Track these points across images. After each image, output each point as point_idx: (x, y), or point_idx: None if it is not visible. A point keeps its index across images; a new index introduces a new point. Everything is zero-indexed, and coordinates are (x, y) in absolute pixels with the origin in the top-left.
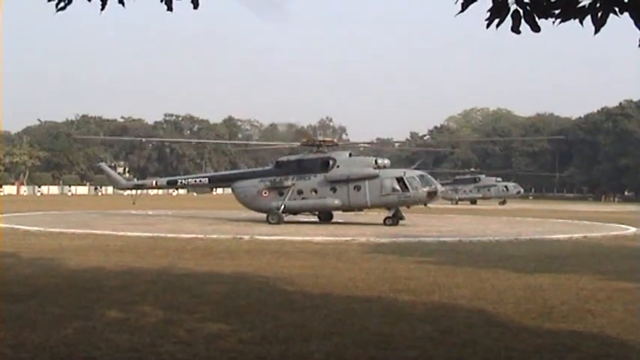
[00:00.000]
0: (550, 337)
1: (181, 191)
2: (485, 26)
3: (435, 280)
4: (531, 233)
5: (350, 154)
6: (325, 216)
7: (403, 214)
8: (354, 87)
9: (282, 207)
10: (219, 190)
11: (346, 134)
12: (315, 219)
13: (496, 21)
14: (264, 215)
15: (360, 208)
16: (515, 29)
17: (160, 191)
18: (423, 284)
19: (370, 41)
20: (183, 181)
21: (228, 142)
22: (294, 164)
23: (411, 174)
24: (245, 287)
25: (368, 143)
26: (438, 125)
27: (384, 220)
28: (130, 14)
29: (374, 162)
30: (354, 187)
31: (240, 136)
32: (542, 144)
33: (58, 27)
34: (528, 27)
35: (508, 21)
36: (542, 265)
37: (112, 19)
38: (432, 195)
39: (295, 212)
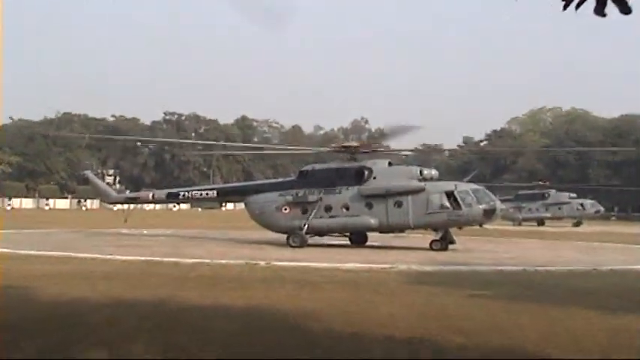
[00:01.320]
0: None
1: (183, 206)
2: (561, 8)
3: (492, 320)
4: (614, 262)
5: (390, 163)
6: (358, 238)
7: (454, 236)
8: (393, 84)
9: (306, 226)
10: (230, 206)
11: (385, 139)
12: (346, 241)
13: (575, 1)
14: (284, 236)
15: (400, 229)
16: (599, 11)
17: (158, 206)
18: (478, 324)
19: (414, 29)
20: (186, 193)
21: (241, 144)
22: (322, 175)
23: (463, 188)
24: (259, 325)
25: (412, 150)
26: (498, 128)
27: (431, 243)
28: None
29: (419, 173)
30: (394, 204)
31: (256, 139)
32: (627, 152)
33: (37, 11)
34: (615, 8)
35: (590, 2)
36: (629, 302)
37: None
38: (489, 214)
39: (322, 233)
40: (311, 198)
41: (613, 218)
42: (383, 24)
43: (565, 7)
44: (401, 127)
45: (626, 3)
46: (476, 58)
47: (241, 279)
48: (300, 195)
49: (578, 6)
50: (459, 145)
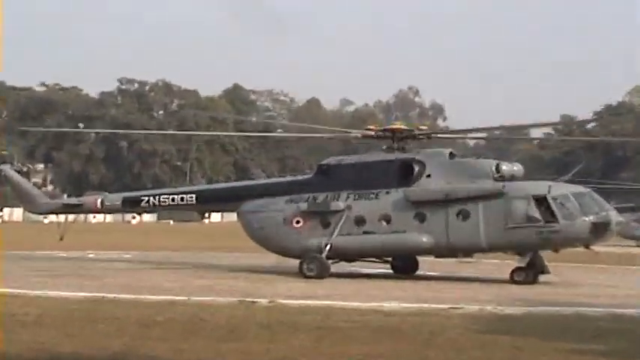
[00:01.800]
0: None
1: (147, 218)
2: None
3: None
4: None
5: (451, 154)
6: (405, 264)
7: (546, 263)
8: (457, 40)
9: (329, 247)
10: (216, 217)
11: (444, 118)
12: (387, 269)
13: None
14: (296, 262)
15: (467, 251)
16: None
17: (110, 217)
18: None
19: None
20: (152, 199)
21: (228, 117)
22: (351, 171)
23: (561, 191)
24: None
25: (483, 134)
26: (613, 103)
27: (512, 273)
28: None
29: (494, 169)
30: (458, 214)
31: (254, 119)
32: None
33: None
34: None
35: None
36: None
37: None
38: (600, 229)
39: (351, 257)
40: (335, 206)
41: None
42: None
43: None
44: None
45: None
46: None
47: (233, 325)
48: (319, 201)
49: None
50: (554, 128)
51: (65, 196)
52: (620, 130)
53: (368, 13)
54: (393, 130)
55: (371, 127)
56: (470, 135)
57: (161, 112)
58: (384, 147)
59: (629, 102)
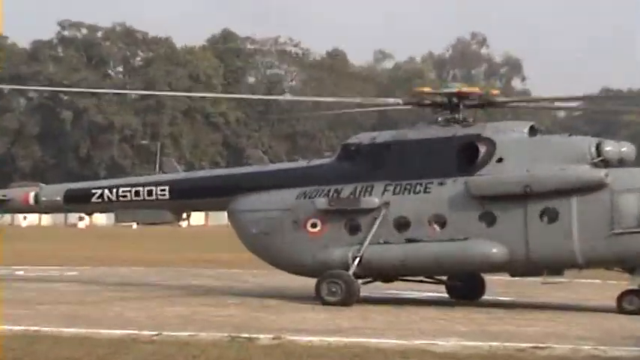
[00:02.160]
0: None
1: (100, 219)
2: None
3: None
4: None
5: (532, 129)
6: (466, 285)
7: None
8: None
9: (358, 260)
10: (198, 218)
11: (522, 79)
12: (441, 292)
13: None
14: (310, 281)
15: (555, 267)
16: None
17: (47, 218)
18: None
19: None
20: (107, 193)
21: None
22: (388, 154)
23: None
24: None
25: (577, 102)
26: None
27: (620, 298)
28: None
29: (593, 149)
30: (542, 214)
31: (251, 80)
32: None
33: None
34: None
35: None
36: None
37: None
38: None
39: (389, 274)
40: (367, 202)
41: None
42: None
43: None
44: None
45: None
46: None
47: None
48: (343, 196)
49: None
50: None
51: None
52: None
53: None
54: (449, 96)
55: (418, 90)
56: (559, 103)
57: (120, 68)
58: (438, 119)
59: None
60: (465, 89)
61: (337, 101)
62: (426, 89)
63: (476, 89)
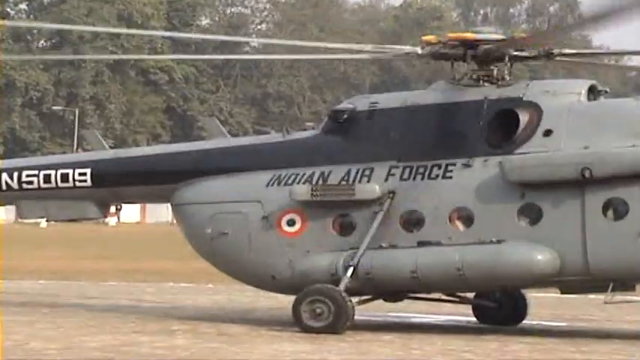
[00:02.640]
0: None
1: None
2: None
3: None
4: None
5: (593, 90)
6: (501, 304)
7: None
8: None
9: (351, 270)
10: (132, 212)
11: (580, 19)
12: (467, 313)
13: None
14: (287, 299)
15: (624, 279)
16: None
17: None
18: None
19: None
20: (7, 179)
21: (159, 33)
22: (394, 123)
23: None
24: None
25: None
26: None
27: None
28: None
29: None
30: (606, 207)
31: (205, 23)
32: None
33: None
34: None
35: None
36: None
37: None
38: None
39: (396, 288)
40: (364, 191)
41: None
42: None
43: None
44: None
45: None
46: None
47: None
48: (332, 182)
49: None
50: None
51: None
52: None
53: None
54: (476, 43)
55: (434, 37)
56: (630, 53)
57: (23, 5)
58: (461, 76)
59: None
60: (491, 36)
61: (326, 47)
62: (442, 36)
63: (500, 35)
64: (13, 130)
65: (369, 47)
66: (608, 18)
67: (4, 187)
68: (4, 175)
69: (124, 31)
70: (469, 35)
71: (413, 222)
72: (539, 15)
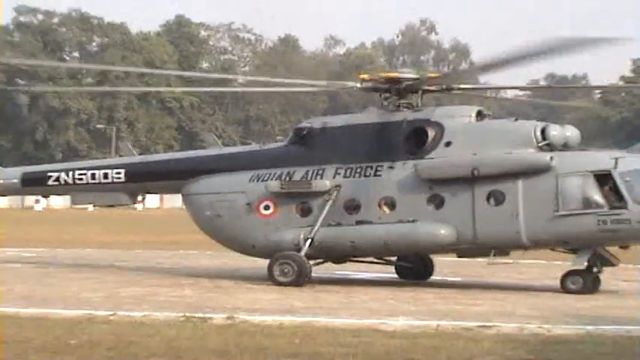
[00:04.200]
0: None
1: (56, 201)
2: None
3: None
4: None
5: (480, 114)
6: (414, 266)
7: (614, 259)
8: None
9: (309, 241)
10: (153, 200)
11: (469, 63)
12: (391, 272)
13: None
14: (264, 263)
15: (501, 248)
16: None
17: (5, 201)
18: None
19: None
20: (64, 176)
21: (171, 72)
22: (340, 137)
23: (633, 165)
24: None
25: (525, 88)
26: None
27: (564, 278)
28: None
29: (539, 133)
30: (489, 196)
31: (206, 65)
32: None
33: None
34: None
35: None
36: None
37: None
38: None
39: (340, 255)
40: (318, 185)
41: None
42: None
43: None
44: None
45: None
46: None
47: (175, 351)
48: (296, 179)
49: None
50: (624, 80)
51: None
52: None
53: None
54: (398, 80)
55: (366, 76)
56: (504, 88)
57: (75, 54)
58: (387, 103)
59: None
60: (409, 75)
61: (290, 83)
62: (374, 75)
63: (415, 74)
64: (68, 142)
65: (321, 83)
66: (490, 67)
67: (62, 182)
68: (63, 174)
69: (147, 70)
70: (394, 74)
71: (353, 207)
72: (442, 61)
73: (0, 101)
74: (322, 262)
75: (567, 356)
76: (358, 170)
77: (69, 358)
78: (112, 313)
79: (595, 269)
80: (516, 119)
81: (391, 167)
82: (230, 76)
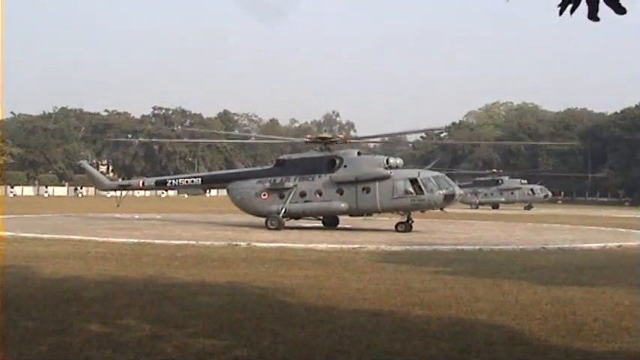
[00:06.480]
0: (581, 357)
1: (171, 193)
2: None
3: (452, 293)
4: (560, 242)
5: (359, 153)
6: (330, 221)
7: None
8: (362, 80)
9: (283, 210)
10: (213, 192)
11: (354, 130)
12: (320, 224)
13: (569, 6)
14: (263, 220)
15: (369, 213)
16: (593, 16)
17: (148, 193)
18: (439, 297)
19: (377, 31)
20: (173, 181)
21: (222, 133)
22: (297, 163)
23: (426, 175)
24: (240, 299)
25: (378, 140)
26: (457, 121)
27: (396, 226)
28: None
29: (385, 161)
30: (363, 189)
31: (236, 131)
32: (572, 142)
33: (34, 9)
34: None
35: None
36: (572, 276)
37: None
38: (449, 198)
39: (298, 216)
40: (287, 184)
41: (559, 202)
42: (356, 30)
43: (560, 13)
44: None
45: (619, 4)
46: (431, 59)
47: (224, 258)
48: (277, 182)
49: (572, 10)
50: (421, 136)
51: (120, 179)
52: (460, 137)
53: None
54: (323, 138)
55: (309, 136)
56: (370, 140)
57: (179, 127)
58: (317, 148)
59: (467, 120)
60: (327, 135)
61: (274, 143)
62: (312, 136)
63: (330, 135)
64: (176, 167)
65: (289, 139)
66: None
67: (174, 183)
68: (173, 180)
69: (208, 141)
70: (323, 135)
71: (303, 195)
72: (342, 129)
73: (145, 149)
74: (289, 220)
75: (397, 258)
76: (305, 178)
77: (177, 262)
78: (196, 242)
79: (410, 221)
80: (375, 155)
81: (320, 177)
82: (247, 134)
